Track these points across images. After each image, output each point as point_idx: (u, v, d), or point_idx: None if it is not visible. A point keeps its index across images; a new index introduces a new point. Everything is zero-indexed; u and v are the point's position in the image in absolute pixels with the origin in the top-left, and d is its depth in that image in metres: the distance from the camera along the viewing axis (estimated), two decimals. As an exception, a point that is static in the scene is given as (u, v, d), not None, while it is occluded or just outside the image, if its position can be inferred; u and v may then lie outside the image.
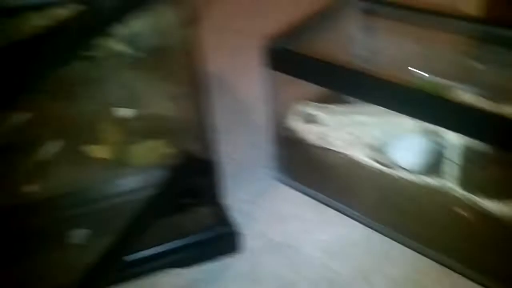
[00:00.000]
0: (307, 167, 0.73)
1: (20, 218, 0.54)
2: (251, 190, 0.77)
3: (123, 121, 0.68)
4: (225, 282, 0.64)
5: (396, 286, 0.63)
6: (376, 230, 0.70)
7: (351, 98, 0.71)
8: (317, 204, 0.75)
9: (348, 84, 0.59)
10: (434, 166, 0.64)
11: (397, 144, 0.66)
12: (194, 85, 0.57)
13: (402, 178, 0.64)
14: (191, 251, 0.65)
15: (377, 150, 0.67)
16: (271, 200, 0.76)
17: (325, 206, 0.74)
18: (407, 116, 0.57)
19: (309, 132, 0.70)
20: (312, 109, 0.71)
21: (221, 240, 0.66)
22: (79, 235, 0.56)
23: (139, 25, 0.76)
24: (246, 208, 0.74)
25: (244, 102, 0.98)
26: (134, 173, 0.57)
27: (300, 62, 0.62)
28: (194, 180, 0.59)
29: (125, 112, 0.69)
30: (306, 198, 0.76)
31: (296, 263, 0.66)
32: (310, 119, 0.71)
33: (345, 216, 0.72)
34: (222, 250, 0.67)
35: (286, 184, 0.78)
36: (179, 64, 0.63)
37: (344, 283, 0.64)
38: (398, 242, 0.68)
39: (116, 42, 0.77)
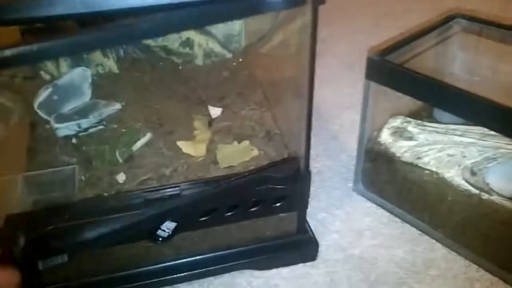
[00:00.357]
0: (390, 182, 0.73)
1: (107, 209, 0.56)
2: (328, 199, 0.77)
3: (213, 121, 0.70)
4: (301, 290, 0.64)
5: (477, 313, 0.61)
6: (457, 252, 0.68)
7: (446, 118, 0.69)
8: (396, 220, 0.74)
9: (446, 99, 0.58)
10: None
11: (492, 168, 0.64)
12: (297, 89, 0.57)
13: (494, 202, 0.62)
14: (269, 254, 0.66)
15: (471, 171, 0.65)
16: (350, 212, 0.75)
17: (404, 223, 0.73)
18: (506, 139, 0.55)
19: (400, 147, 0.69)
20: (407, 124, 0.70)
21: (299, 248, 0.67)
22: (167, 228, 0.58)
23: (236, 25, 0.79)
24: (323, 217, 0.75)
25: (330, 111, 0.98)
26: (221, 173, 0.58)
27: (398, 74, 0.62)
28: (283, 188, 0.60)
29: (216, 112, 0.71)
30: (385, 213, 0.75)
31: (373, 277, 0.66)
32: (403, 135, 0.70)
33: (424, 235, 0.71)
34: (299, 257, 0.68)
35: (365, 197, 0.77)
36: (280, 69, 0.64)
37: (423, 303, 0.62)
38: (482, 268, 0.66)
39: (213, 42, 0.80)
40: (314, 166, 0.84)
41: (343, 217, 0.75)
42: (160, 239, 0.57)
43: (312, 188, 0.80)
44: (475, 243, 0.66)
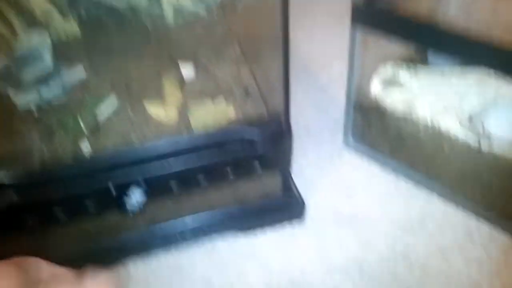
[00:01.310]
0: (382, 135, 0.67)
1: (73, 177, 0.51)
2: (316, 155, 0.72)
3: (185, 81, 0.65)
4: (288, 251, 0.60)
5: (477, 267, 0.57)
6: (457, 205, 0.64)
7: (440, 62, 0.63)
8: (390, 175, 0.69)
9: (441, 41, 0.52)
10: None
11: (492, 113, 0.58)
12: (272, 45, 0.51)
13: (494, 150, 0.57)
14: (252, 216, 0.62)
15: (469, 118, 0.60)
16: (340, 168, 0.70)
17: (398, 177, 0.68)
18: (507, 79, 0.49)
19: (393, 97, 0.64)
20: (398, 71, 0.64)
21: (285, 208, 0.62)
22: (135, 194, 0.53)
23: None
24: (313, 175, 0.70)
25: (316, 62, 0.92)
26: (196, 135, 0.53)
27: (389, 18, 0.56)
28: (263, 147, 0.54)
29: (188, 72, 0.65)
30: (378, 168, 0.70)
31: (365, 237, 0.61)
32: (395, 82, 0.64)
33: (421, 189, 0.66)
34: (286, 218, 0.63)
35: (358, 152, 0.72)
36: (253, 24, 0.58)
37: (420, 260, 0.58)
38: (482, 219, 0.62)
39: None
40: (301, 120, 0.79)
41: (332, 173, 0.70)
42: (130, 208, 0.52)
43: (298, 144, 0.75)
44: (475, 193, 0.61)
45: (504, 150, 0.57)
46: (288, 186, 0.63)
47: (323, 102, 0.82)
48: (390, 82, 0.65)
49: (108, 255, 0.58)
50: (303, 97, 0.83)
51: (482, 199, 0.61)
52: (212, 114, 0.59)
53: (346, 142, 0.73)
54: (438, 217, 0.63)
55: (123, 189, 0.52)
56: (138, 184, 0.52)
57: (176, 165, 0.53)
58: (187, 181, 0.55)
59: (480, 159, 0.59)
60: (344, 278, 0.57)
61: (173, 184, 0.54)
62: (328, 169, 0.70)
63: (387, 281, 0.56)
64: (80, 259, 0.51)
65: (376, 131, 0.68)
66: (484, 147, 0.58)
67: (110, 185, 0.51)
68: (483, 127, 0.58)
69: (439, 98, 0.60)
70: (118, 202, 0.52)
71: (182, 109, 0.61)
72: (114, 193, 0.51)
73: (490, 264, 0.57)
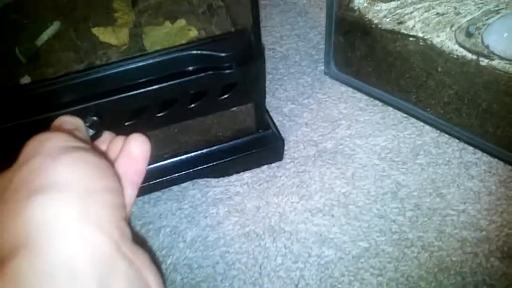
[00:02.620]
0: (368, 58, 0.59)
1: (17, 111, 0.43)
2: (295, 87, 0.65)
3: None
4: (267, 196, 0.54)
5: (475, 203, 0.52)
6: (450, 134, 0.57)
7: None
8: (377, 105, 0.62)
9: None
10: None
11: (492, 24, 0.50)
12: None
13: (495, 68, 0.50)
14: (226, 158, 0.55)
15: (466, 32, 0.52)
16: (321, 100, 0.63)
17: (386, 106, 0.61)
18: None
19: (378, 10, 0.55)
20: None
21: (261, 147, 0.55)
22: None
23: None
24: (290, 109, 0.62)
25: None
26: (154, 59, 0.45)
27: None
28: (231, 73, 0.46)
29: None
30: (363, 96, 0.63)
31: (351, 173, 0.55)
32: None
33: (410, 118, 0.59)
34: (263, 158, 0.56)
35: (341, 81, 0.64)
36: None
37: (411, 196, 0.52)
38: (479, 149, 0.56)
39: None
40: (278, 50, 0.70)
41: (313, 106, 0.62)
42: None
43: (277, 76, 0.67)
44: (472, 120, 0.55)
45: (506, 68, 0.49)
46: (264, 122, 0.56)
47: (302, 27, 0.74)
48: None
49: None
50: (281, 22, 0.74)
51: (480, 128, 0.54)
52: (170, 37, 0.51)
53: (328, 71, 0.65)
54: (431, 149, 0.56)
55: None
56: (81, 117, 0.44)
57: (129, 96, 0.45)
58: (143, 117, 0.47)
59: (478, 80, 0.51)
60: (329, 222, 0.51)
61: (126, 121, 0.46)
62: (309, 102, 0.63)
63: (376, 223, 0.51)
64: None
65: (361, 55, 0.60)
66: (483, 65, 0.50)
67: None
68: (482, 41, 0.51)
69: (432, 8, 0.52)
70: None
71: (135, 31, 0.52)
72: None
73: (489, 199, 0.52)
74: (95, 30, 0.52)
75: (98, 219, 0.25)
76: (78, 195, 0.25)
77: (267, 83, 0.65)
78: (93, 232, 0.24)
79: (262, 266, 0.49)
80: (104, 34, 0.52)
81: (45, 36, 0.52)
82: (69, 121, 0.33)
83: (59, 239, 0.23)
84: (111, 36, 0.51)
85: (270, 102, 0.63)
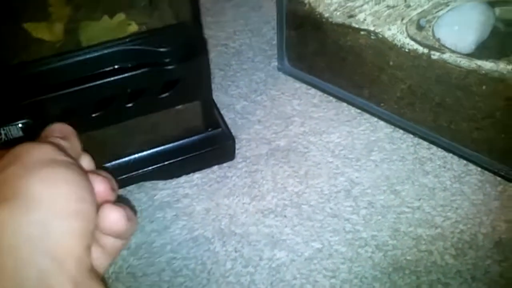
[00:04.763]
0: (320, 53, 0.58)
1: None
2: (248, 84, 0.63)
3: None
4: (217, 198, 0.51)
5: (429, 197, 0.51)
6: (404, 129, 0.56)
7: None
8: (330, 100, 0.60)
9: None
10: (492, 47, 0.48)
11: (443, 16, 0.49)
12: None
13: (446, 62, 0.49)
14: (173, 159, 0.52)
15: (417, 25, 0.50)
16: (274, 97, 0.61)
17: (340, 102, 0.60)
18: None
19: (329, 4, 0.54)
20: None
21: (211, 146, 0.53)
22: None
23: None
24: (242, 106, 0.60)
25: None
26: (87, 54, 0.41)
27: None
28: (172, 69, 0.44)
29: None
30: (317, 92, 0.61)
31: (304, 171, 0.53)
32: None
33: (364, 114, 0.58)
34: (214, 158, 0.54)
35: (292, 76, 0.62)
36: None
37: (365, 194, 0.51)
38: (433, 144, 0.55)
39: None
40: (231, 46, 0.68)
41: (266, 103, 0.60)
42: None
43: (229, 73, 0.65)
44: (425, 115, 0.54)
45: (457, 61, 0.48)
46: (213, 121, 0.53)
47: (256, 22, 0.71)
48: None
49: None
50: (234, 17, 0.72)
51: (434, 122, 0.53)
52: (109, 32, 0.48)
53: (281, 67, 0.63)
54: (385, 145, 0.55)
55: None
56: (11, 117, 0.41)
57: (61, 94, 0.42)
58: (77, 117, 0.44)
59: (430, 74, 0.50)
60: (280, 223, 0.49)
61: (59, 121, 0.43)
62: (262, 100, 0.61)
63: (329, 223, 0.49)
64: None
65: (313, 50, 0.58)
66: (435, 58, 0.49)
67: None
68: (433, 34, 0.49)
69: (382, 0, 0.51)
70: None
71: (71, 26, 0.49)
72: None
73: (444, 195, 0.50)
74: (27, 26, 0.48)
75: (55, 248, 0.23)
76: (44, 214, 0.23)
77: (219, 79, 0.63)
78: (44, 263, 0.23)
79: (211, 271, 0.46)
80: (37, 30, 0.48)
81: (-27, 31, 0.48)
82: (58, 129, 0.31)
83: (9, 257, 0.22)
84: (45, 32, 0.48)
85: (222, 99, 0.61)
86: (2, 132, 0.41)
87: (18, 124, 0.42)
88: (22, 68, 0.42)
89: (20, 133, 0.42)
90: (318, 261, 0.46)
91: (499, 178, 0.51)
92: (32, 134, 0.42)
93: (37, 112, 0.41)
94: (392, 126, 0.57)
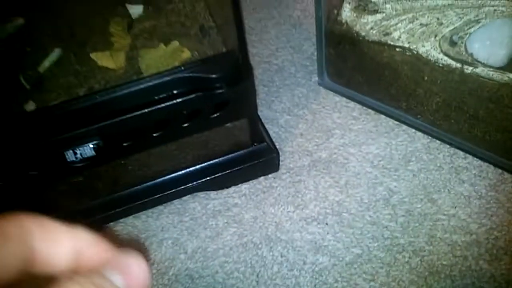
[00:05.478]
0: (359, 68, 0.61)
1: (22, 138, 0.46)
2: (291, 99, 0.67)
3: (133, 21, 0.58)
4: (264, 206, 0.56)
5: (465, 205, 0.53)
6: (441, 139, 0.59)
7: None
8: (369, 114, 0.63)
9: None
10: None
11: (475, 33, 0.52)
12: None
13: (479, 76, 0.51)
14: (223, 172, 0.57)
15: (450, 41, 0.53)
16: (316, 111, 0.65)
17: (378, 115, 0.63)
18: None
19: (365, 23, 0.57)
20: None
21: (257, 159, 0.58)
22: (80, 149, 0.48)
23: None
24: (285, 120, 0.64)
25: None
26: (148, 82, 0.47)
27: None
28: (222, 92, 0.49)
29: (135, 10, 0.58)
30: (356, 106, 0.64)
31: (344, 181, 0.57)
32: (367, 7, 0.57)
33: (402, 125, 0.61)
34: (260, 170, 0.59)
35: (334, 91, 0.66)
36: None
37: (403, 202, 0.54)
38: (469, 154, 0.57)
39: None
40: (274, 63, 0.72)
41: (308, 117, 0.65)
42: (72, 162, 0.47)
43: (272, 89, 0.69)
44: (460, 126, 0.56)
45: (489, 74, 0.51)
46: (258, 136, 0.58)
47: (297, 39, 0.76)
48: (362, 8, 0.58)
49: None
50: (276, 35, 0.77)
51: (469, 133, 0.56)
52: (165, 58, 0.54)
53: (321, 82, 0.67)
54: (422, 155, 0.58)
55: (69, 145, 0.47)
56: (84, 139, 0.47)
57: (126, 118, 0.48)
58: (141, 138, 0.49)
59: (463, 87, 0.53)
60: (323, 230, 0.53)
61: (125, 141, 0.49)
62: (304, 113, 0.65)
63: (368, 230, 0.52)
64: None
65: (352, 66, 0.62)
66: (468, 72, 0.52)
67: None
68: (466, 49, 0.52)
69: (415, 19, 0.54)
70: (61, 157, 0.47)
71: (131, 54, 0.55)
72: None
73: (479, 203, 0.53)
74: (93, 55, 0.55)
75: None
76: None
77: (263, 95, 0.68)
78: None
79: (259, 274, 0.51)
80: (102, 59, 0.54)
81: (47, 62, 0.55)
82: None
83: None
84: (109, 60, 0.54)
85: (266, 114, 0.66)
86: (78, 151, 0.47)
87: (89, 144, 0.48)
88: (91, 95, 0.48)
89: (93, 153, 0.48)
90: (358, 266, 0.50)
91: (534, 186, 0.53)
92: (102, 153, 0.48)
93: (106, 133, 0.48)
94: (429, 137, 0.59)
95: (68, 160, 0.47)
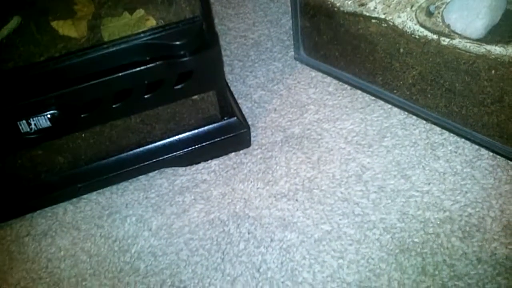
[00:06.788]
0: (334, 42, 0.59)
1: None
2: (266, 74, 0.65)
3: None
4: (233, 183, 0.54)
5: (439, 182, 0.51)
6: (417, 115, 0.57)
7: None
8: (345, 88, 0.61)
9: None
10: (504, 31, 0.48)
11: (452, 3, 0.50)
12: None
13: (456, 48, 0.49)
14: (192, 147, 0.55)
15: (426, 11, 0.51)
16: (291, 86, 0.63)
17: (354, 90, 0.61)
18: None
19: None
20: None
21: (227, 134, 0.55)
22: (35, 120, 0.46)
23: None
24: (259, 95, 0.62)
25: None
26: (107, 49, 0.45)
27: None
28: (186, 61, 0.46)
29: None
30: (332, 81, 0.62)
31: (316, 157, 0.55)
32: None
33: (378, 101, 0.59)
34: (230, 145, 0.57)
35: (309, 65, 0.64)
36: None
37: (375, 178, 0.52)
38: (446, 129, 0.55)
39: None
40: (250, 37, 0.70)
41: (283, 92, 0.62)
42: (27, 137, 0.45)
43: (247, 63, 0.67)
44: (437, 101, 0.54)
45: (466, 46, 0.49)
46: (228, 110, 0.56)
47: (275, 13, 0.73)
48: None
49: (31, 199, 0.53)
50: (253, 9, 0.74)
51: (445, 108, 0.54)
52: (128, 27, 0.51)
53: (297, 56, 0.65)
54: (398, 131, 0.56)
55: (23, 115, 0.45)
56: (40, 109, 0.45)
57: (85, 86, 0.45)
58: (100, 109, 0.47)
59: (440, 59, 0.51)
60: (292, 206, 0.51)
61: (83, 112, 0.47)
62: (279, 89, 0.63)
63: (339, 207, 0.51)
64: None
65: (327, 39, 0.60)
66: (445, 44, 0.50)
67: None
68: (442, 20, 0.50)
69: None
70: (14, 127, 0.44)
71: (94, 23, 0.52)
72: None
73: (454, 180, 0.51)
74: (54, 24, 0.52)
75: None
76: None
77: (238, 70, 0.66)
78: None
79: (225, 251, 0.49)
80: (63, 28, 0.52)
81: (5, 31, 0.52)
82: None
83: None
84: (71, 29, 0.52)
85: (240, 89, 0.63)
86: (32, 122, 0.45)
87: (46, 114, 0.46)
88: (49, 62, 0.46)
89: (48, 123, 0.46)
90: (327, 243, 0.48)
91: (511, 163, 0.52)
92: (59, 124, 0.46)
93: (63, 103, 0.45)
94: (405, 113, 0.58)
95: (22, 131, 0.45)
